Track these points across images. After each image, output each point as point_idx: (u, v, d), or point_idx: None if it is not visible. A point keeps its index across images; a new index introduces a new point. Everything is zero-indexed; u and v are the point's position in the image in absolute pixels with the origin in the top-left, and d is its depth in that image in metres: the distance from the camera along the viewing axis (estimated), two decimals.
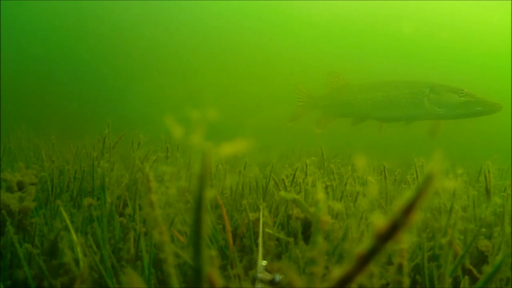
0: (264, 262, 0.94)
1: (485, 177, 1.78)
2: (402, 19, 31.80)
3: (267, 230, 1.53)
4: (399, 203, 0.40)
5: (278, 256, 1.50)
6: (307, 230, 1.65)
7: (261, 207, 1.49)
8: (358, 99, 6.14)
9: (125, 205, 1.88)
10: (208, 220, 0.46)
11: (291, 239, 1.34)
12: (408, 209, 0.39)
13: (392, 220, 0.40)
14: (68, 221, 1.30)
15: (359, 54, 29.83)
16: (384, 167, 2.32)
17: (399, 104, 5.75)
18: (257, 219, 1.52)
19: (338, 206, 1.53)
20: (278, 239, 1.56)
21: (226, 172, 2.30)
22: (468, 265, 1.36)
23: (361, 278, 0.42)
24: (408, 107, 5.70)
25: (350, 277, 0.42)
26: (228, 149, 0.45)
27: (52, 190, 1.98)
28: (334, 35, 33.94)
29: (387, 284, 1.15)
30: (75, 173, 2.20)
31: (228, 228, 1.48)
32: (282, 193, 1.72)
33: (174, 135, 0.47)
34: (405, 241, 0.40)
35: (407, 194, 0.40)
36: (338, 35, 33.58)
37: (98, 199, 1.73)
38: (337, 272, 0.42)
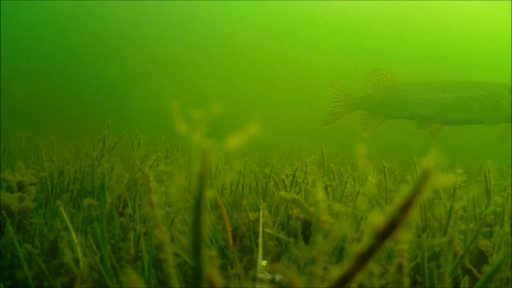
0: (264, 262, 0.94)
1: (485, 176, 1.78)
2: (401, 19, 31.79)
3: (267, 230, 1.53)
4: (397, 200, 0.40)
5: (278, 256, 1.50)
6: (307, 230, 1.65)
7: (261, 207, 1.49)
8: (420, 100, 5.63)
9: (125, 205, 1.88)
10: (208, 220, 0.46)
11: (291, 239, 1.34)
12: (406, 206, 0.40)
13: (390, 218, 0.40)
14: (68, 221, 1.30)
15: (359, 54, 29.82)
16: (384, 167, 2.32)
17: (471, 106, 5.37)
18: (257, 219, 1.52)
19: (338, 206, 1.53)
20: (278, 239, 1.56)
21: (226, 172, 2.30)
22: (468, 265, 1.36)
23: (360, 277, 0.42)
24: (482, 110, 5.33)
25: (349, 276, 0.42)
26: (234, 141, 0.45)
27: (52, 190, 1.98)
28: (328, 35, 33.93)
29: (387, 284, 1.15)
30: (75, 173, 2.20)
31: (228, 228, 1.48)
32: (282, 193, 1.72)
33: (177, 132, 0.47)
34: (404, 239, 0.40)
35: (405, 191, 0.40)
36: (334, 35, 33.58)
37: (98, 199, 1.73)
38: (337, 271, 0.42)
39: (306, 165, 2.17)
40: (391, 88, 5.90)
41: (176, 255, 1.27)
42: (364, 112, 6.08)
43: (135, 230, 1.40)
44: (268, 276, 0.84)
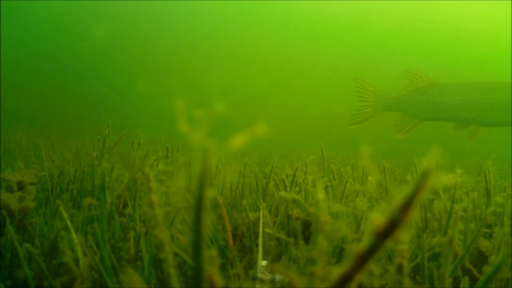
0: (264, 262, 0.94)
1: (485, 177, 1.78)
2: (401, 18, 31.77)
3: (267, 230, 1.53)
4: (397, 200, 0.40)
5: (278, 256, 1.50)
6: (307, 230, 1.65)
7: (261, 207, 1.49)
8: (458, 101, 5.39)
9: (125, 205, 1.88)
10: (208, 220, 0.46)
11: (291, 239, 1.34)
12: (406, 206, 0.40)
13: (391, 217, 0.40)
14: (68, 221, 1.30)
15: (360, 53, 29.81)
16: (384, 167, 2.32)
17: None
18: (257, 219, 1.52)
19: (338, 206, 1.53)
20: (278, 239, 1.56)
21: (226, 172, 2.30)
22: (468, 266, 1.36)
23: (360, 277, 0.42)
24: None
25: (350, 276, 0.42)
26: (237, 142, 0.45)
27: (52, 190, 1.98)
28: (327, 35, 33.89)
29: (387, 284, 1.15)
30: (75, 173, 2.20)
31: (228, 228, 1.48)
32: (282, 193, 1.72)
33: (178, 132, 0.47)
34: (404, 239, 0.40)
35: (405, 191, 0.40)
36: (332, 34, 33.56)
37: (98, 199, 1.73)
38: (337, 271, 0.42)
39: (306, 165, 2.17)
40: (427, 89, 5.61)
41: (176, 255, 1.27)
42: (397, 113, 5.73)
43: (135, 230, 1.40)
44: (268, 276, 0.84)
